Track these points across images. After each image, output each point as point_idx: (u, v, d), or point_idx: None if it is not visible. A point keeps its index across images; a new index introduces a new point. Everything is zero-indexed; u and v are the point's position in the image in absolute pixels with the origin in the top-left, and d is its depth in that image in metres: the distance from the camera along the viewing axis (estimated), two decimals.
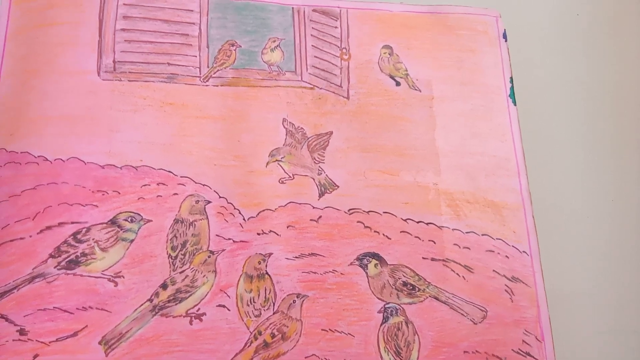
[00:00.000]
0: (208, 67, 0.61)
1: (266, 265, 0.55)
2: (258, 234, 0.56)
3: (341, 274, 0.57)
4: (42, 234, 0.52)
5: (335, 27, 0.66)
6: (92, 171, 0.55)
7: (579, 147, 0.69)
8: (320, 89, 0.63)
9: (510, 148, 0.64)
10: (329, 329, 0.54)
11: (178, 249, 0.54)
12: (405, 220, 0.60)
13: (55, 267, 0.52)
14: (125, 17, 0.60)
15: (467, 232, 0.60)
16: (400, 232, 0.59)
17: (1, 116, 0.55)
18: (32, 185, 0.53)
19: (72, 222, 0.53)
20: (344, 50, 0.65)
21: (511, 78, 0.67)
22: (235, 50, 0.62)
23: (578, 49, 0.74)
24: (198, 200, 0.56)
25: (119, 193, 0.55)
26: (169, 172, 0.57)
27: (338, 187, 0.60)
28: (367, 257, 0.57)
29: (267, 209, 0.57)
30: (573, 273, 0.64)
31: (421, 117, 0.64)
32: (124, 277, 0.53)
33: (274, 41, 0.64)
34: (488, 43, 0.68)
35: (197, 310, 0.53)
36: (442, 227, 0.60)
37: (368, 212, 0.59)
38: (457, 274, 0.59)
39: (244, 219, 0.57)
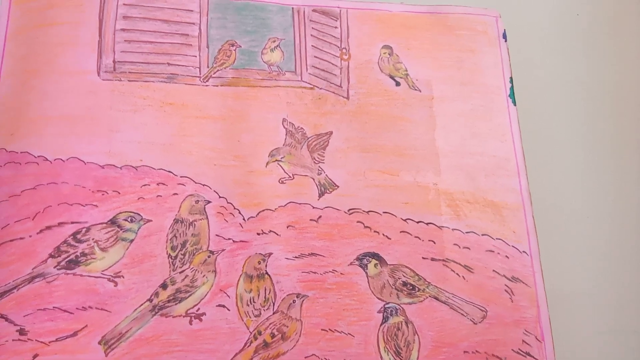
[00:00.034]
0: (208, 67, 0.61)
1: (266, 265, 0.55)
2: (258, 234, 0.56)
3: (341, 274, 0.57)
4: (42, 233, 0.52)
5: (335, 27, 0.66)
6: (92, 171, 0.55)
7: (579, 147, 0.69)
8: (320, 89, 0.63)
9: (510, 148, 0.64)
10: (329, 329, 0.54)
11: (178, 249, 0.54)
12: (405, 220, 0.60)
13: (55, 267, 0.52)
14: (125, 17, 0.60)
15: (467, 232, 0.60)
16: (400, 232, 0.59)
17: (1, 116, 0.55)
18: (32, 185, 0.53)
19: (72, 222, 0.53)
20: (344, 51, 0.65)
21: (511, 78, 0.67)
22: (235, 50, 0.62)
23: (578, 49, 0.74)
24: (198, 200, 0.56)
25: (119, 193, 0.55)
26: (169, 172, 0.57)
27: (338, 187, 0.60)
28: (367, 257, 0.57)
29: (267, 209, 0.57)
30: (573, 273, 0.64)
31: (421, 117, 0.64)
32: (123, 277, 0.53)
33: (274, 41, 0.64)
34: (488, 43, 0.68)
35: (197, 310, 0.53)
36: (442, 227, 0.60)
37: (368, 212, 0.59)
38: (457, 274, 0.59)
39: (243, 219, 0.57)
